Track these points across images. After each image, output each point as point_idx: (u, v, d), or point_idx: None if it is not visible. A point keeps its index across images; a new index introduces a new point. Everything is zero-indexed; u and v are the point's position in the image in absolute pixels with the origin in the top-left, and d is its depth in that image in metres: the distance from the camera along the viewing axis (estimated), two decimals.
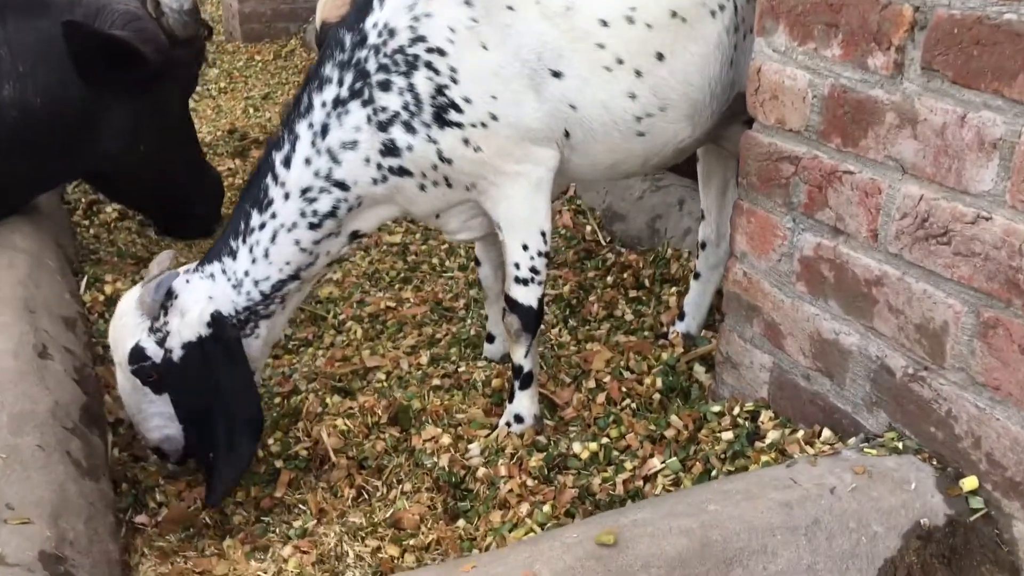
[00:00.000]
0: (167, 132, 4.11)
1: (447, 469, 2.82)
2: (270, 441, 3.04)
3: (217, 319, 2.67)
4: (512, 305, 2.90)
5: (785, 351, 2.63)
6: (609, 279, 4.07)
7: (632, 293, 3.95)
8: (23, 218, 3.72)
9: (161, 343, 2.67)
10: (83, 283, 3.81)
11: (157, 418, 2.75)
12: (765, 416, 2.68)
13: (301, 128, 2.68)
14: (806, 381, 2.58)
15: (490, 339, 3.53)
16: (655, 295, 3.91)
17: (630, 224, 4.44)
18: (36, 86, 3.56)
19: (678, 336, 3.43)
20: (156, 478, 2.85)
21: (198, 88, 6.72)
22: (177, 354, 2.68)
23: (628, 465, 2.71)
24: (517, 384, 3.00)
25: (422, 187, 2.75)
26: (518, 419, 3.01)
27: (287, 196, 2.66)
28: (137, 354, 2.66)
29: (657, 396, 3.13)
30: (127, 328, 2.68)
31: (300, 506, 2.78)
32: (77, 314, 3.37)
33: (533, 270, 2.84)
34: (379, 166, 2.69)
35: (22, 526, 1.94)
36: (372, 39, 2.62)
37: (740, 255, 2.76)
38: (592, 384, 3.24)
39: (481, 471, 2.82)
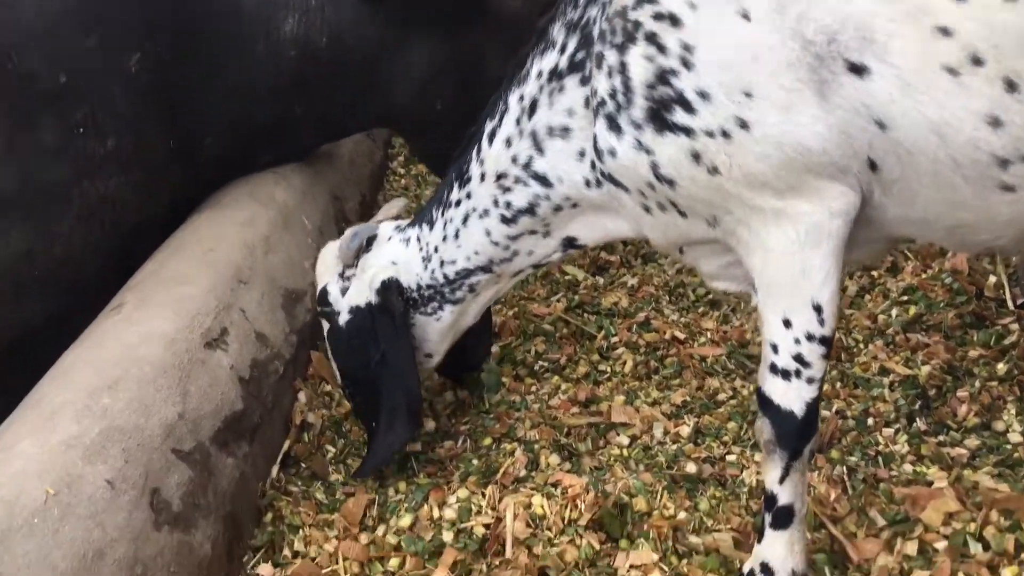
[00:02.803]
0: (476, 92, 3.52)
1: None
2: (451, 500, 2.41)
3: (387, 287, 2.41)
4: (764, 404, 1.96)
5: None
6: (1001, 367, 2.77)
7: None
8: (302, 166, 3.43)
9: (343, 293, 2.52)
10: None
11: None
12: None
13: (513, 99, 2.15)
14: None
15: None
16: None
17: None
18: (325, 22, 3.17)
19: None
20: (305, 518, 2.36)
21: None
22: (343, 317, 2.49)
23: None
24: (768, 519, 2.04)
25: (645, 208, 1.99)
26: (766, 571, 2.05)
27: (483, 177, 2.25)
28: (322, 297, 2.56)
29: None
30: (324, 267, 2.59)
31: None
32: (311, 286, 2.98)
33: (799, 359, 1.89)
34: (594, 165, 2.03)
35: None
36: None
37: None
38: (912, 548, 2.13)
39: None
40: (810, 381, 1.91)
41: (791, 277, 1.84)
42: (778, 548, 2.04)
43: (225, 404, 2.26)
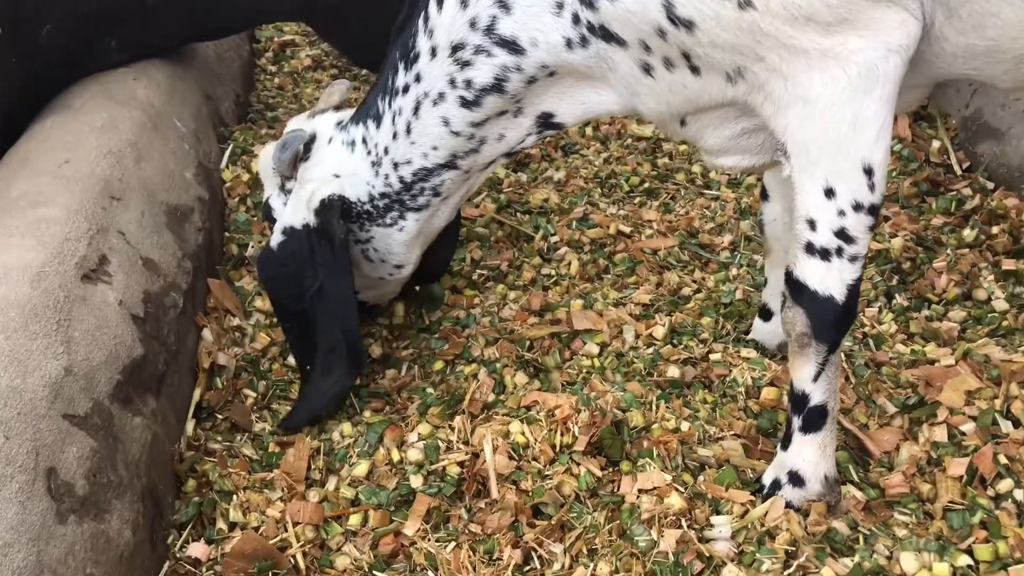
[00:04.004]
0: None
1: (672, 558, 1.68)
2: (411, 438, 2.03)
3: (327, 207, 2.03)
4: (797, 291, 1.69)
5: None
6: (968, 234, 2.62)
7: (1007, 264, 2.49)
8: (163, 61, 2.84)
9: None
10: (226, 154, 2.90)
11: None
12: None
13: None
14: None
15: (765, 315, 2.27)
16: None
17: (1010, 148, 2.87)
18: None
19: None
20: (237, 480, 1.92)
21: None
22: (276, 239, 2.09)
23: None
24: (797, 423, 1.79)
25: (645, 69, 1.63)
26: (795, 480, 1.81)
27: (434, 52, 1.81)
28: (266, 212, 2.22)
29: None
30: (264, 177, 2.24)
31: (429, 573, 1.75)
32: (196, 201, 2.47)
33: (842, 235, 1.62)
34: (576, 18, 1.64)
35: None
36: None
37: None
38: (940, 433, 1.93)
39: (730, 572, 1.66)
40: (853, 259, 1.64)
41: (838, 133, 1.54)
42: (809, 453, 1.79)
43: (121, 350, 1.77)
